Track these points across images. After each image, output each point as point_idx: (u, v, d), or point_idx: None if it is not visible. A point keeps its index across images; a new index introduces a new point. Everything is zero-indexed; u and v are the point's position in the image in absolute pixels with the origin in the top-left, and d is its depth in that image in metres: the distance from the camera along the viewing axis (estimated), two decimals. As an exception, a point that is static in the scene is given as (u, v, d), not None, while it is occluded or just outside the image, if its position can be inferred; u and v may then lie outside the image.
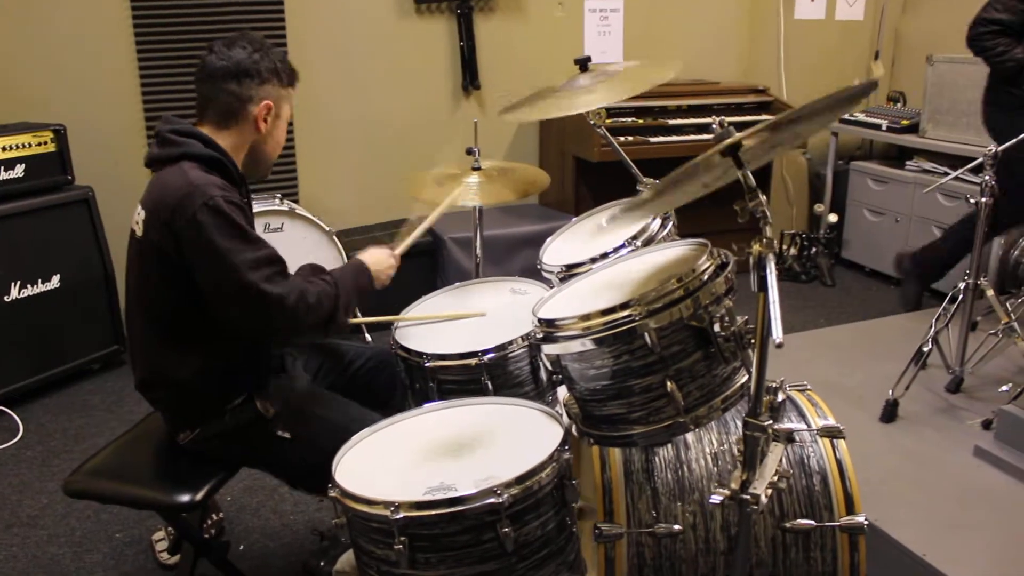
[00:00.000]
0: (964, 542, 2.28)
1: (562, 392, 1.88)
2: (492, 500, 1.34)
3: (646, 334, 1.42)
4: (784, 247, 4.86)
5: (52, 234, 3.34)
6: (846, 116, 4.83)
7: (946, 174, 3.47)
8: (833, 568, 1.68)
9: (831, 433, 1.76)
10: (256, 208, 3.33)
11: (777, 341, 1.22)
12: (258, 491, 2.70)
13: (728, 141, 1.25)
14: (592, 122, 2.29)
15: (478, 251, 2.64)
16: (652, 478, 1.71)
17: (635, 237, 1.93)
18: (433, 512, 1.35)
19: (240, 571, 2.07)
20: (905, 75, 5.16)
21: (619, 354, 1.47)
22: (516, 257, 4.04)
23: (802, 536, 1.68)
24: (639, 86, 2.02)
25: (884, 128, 4.58)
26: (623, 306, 1.44)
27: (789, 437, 1.40)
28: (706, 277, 1.47)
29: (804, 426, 1.79)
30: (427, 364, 1.91)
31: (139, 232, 1.78)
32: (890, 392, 2.96)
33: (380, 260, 2.01)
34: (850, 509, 1.68)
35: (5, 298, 3.20)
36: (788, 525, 1.67)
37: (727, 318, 1.46)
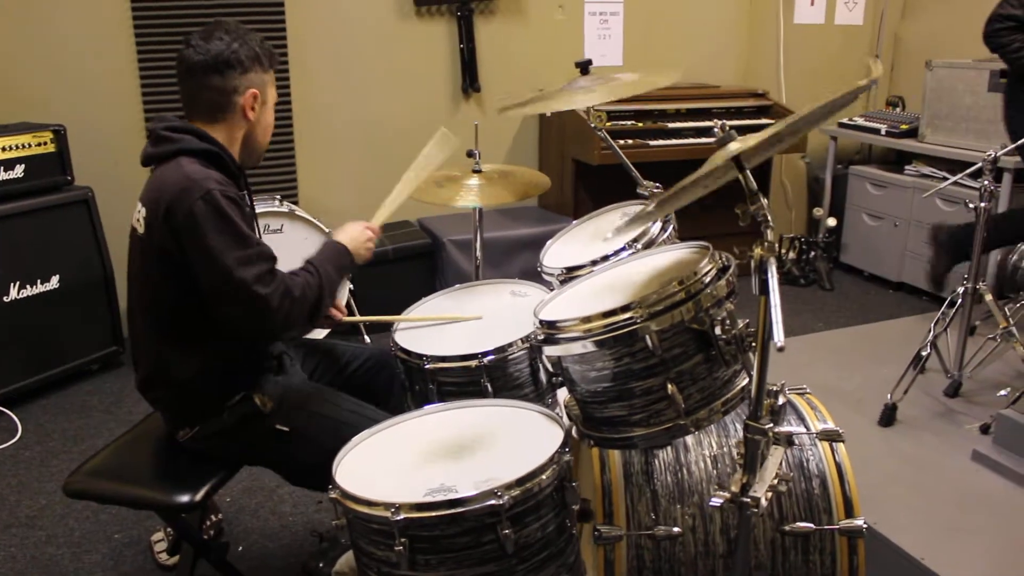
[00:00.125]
0: (962, 546, 2.28)
1: (562, 394, 1.89)
2: (492, 502, 1.34)
3: (647, 336, 1.42)
4: (783, 251, 4.87)
5: (52, 234, 3.34)
6: (845, 120, 4.85)
7: (945, 179, 3.48)
8: (832, 571, 1.69)
9: (830, 437, 1.77)
10: (256, 209, 3.34)
11: (779, 344, 1.23)
12: (257, 492, 2.70)
13: (735, 151, 1.26)
14: (593, 125, 2.30)
15: (478, 253, 2.64)
16: (652, 480, 1.72)
17: (636, 240, 1.94)
18: (433, 514, 1.35)
19: (239, 572, 2.07)
20: (904, 80, 5.17)
21: (620, 356, 1.47)
22: (515, 259, 4.05)
23: (801, 539, 1.68)
24: (638, 87, 2.03)
25: (883, 132, 4.59)
26: (624, 308, 1.45)
27: (789, 440, 1.41)
28: (708, 280, 1.47)
29: (803, 429, 1.79)
30: (427, 366, 1.91)
31: (140, 229, 1.78)
32: (889, 396, 2.97)
33: (357, 236, 2.00)
34: (849, 513, 1.69)
35: (4, 298, 3.19)
36: (787, 528, 1.67)
37: (728, 321, 1.46)
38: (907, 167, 4.53)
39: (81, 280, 3.45)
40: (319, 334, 2.96)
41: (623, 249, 1.93)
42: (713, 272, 1.49)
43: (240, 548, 2.44)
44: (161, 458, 1.96)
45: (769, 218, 1.32)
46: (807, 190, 5.30)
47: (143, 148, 1.82)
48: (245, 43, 1.81)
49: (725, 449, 1.76)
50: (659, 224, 1.99)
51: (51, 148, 3.36)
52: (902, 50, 5.24)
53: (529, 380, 1.95)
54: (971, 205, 2.95)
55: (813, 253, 4.76)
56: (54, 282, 3.35)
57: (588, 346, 1.48)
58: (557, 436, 1.51)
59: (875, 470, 2.65)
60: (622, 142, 4.07)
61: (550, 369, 1.92)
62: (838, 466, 1.73)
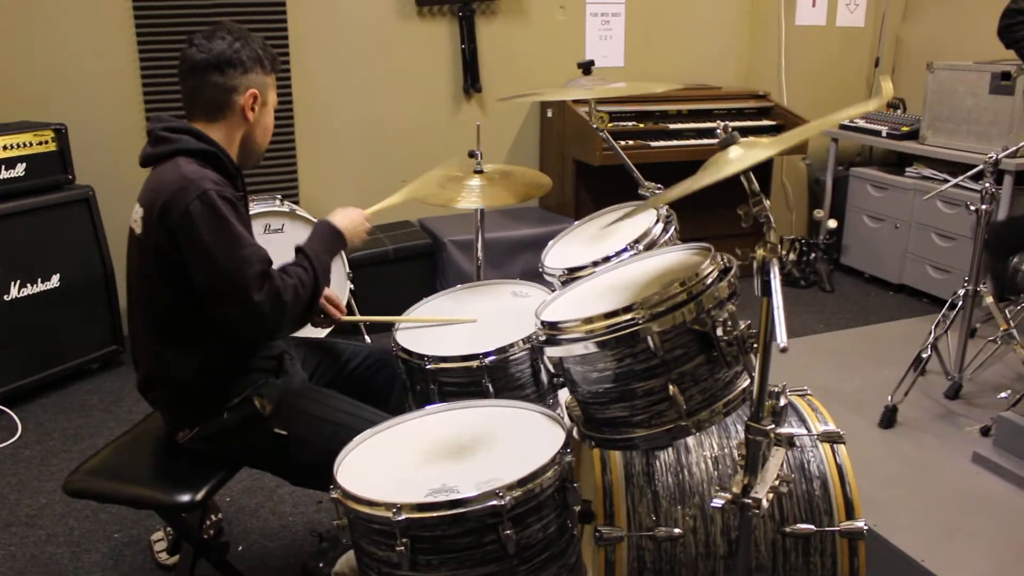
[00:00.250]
0: (962, 548, 2.28)
1: (563, 395, 1.88)
2: (494, 502, 1.34)
3: (649, 337, 1.42)
4: (784, 252, 4.86)
5: (52, 233, 3.34)
6: (846, 122, 4.85)
7: (946, 181, 3.48)
8: (833, 573, 1.69)
9: (831, 438, 1.77)
10: (257, 209, 3.35)
11: (781, 345, 1.23)
12: (257, 492, 2.70)
13: (749, 164, 1.25)
14: (595, 126, 2.30)
15: (479, 254, 2.64)
16: (653, 481, 1.72)
17: (637, 241, 1.94)
18: (435, 514, 1.35)
19: (239, 572, 2.06)
20: (905, 82, 5.17)
21: (622, 357, 1.47)
22: (516, 260, 4.05)
23: (802, 541, 1.68)
24: (638, 87, 2.03)
25: (884, 134, 4.59)
26: (626, 309, 1.45)
27: (790, 442, 1.41)
28: (709, 281, 1.47)
29: (804, 431, 1.79)
30: (428, 366, 1.90)
31: (138, 230, 1.78)
32: (889, 398, 2.97)
33: (353, 220, 2.00)
34: (850, 514, 1.69)
35: (5, 297, 3.19)
36: (788, 529, 1.67)
37: (730, 322, 1.46)
38: (908, 169, 4.54)
39: (81, 279, 3.45)
40: (320, 333, 2.96)
41: (625, 250, 1.93)
42: (715, 273, 1.49)
43: (240, 548, 2.44)
44: (161, 458, 1.96)
45: (771, 219, 1.32)
46: (808, 192, 5.31)
47: (142, 148, 1.82)
48: (247, 44, 1.82)
49: (726, 450, 1.76)
50: (661, 225, 1.99)
51: (52, 147, 3.36)
52: (903, 52, 5.25)
53: (530, 381, 1.95)
54: (972, 207, 2.95)
55: (813, 255, 4.76)
56: (54, 281, 3.35)
57: (590, 347, 1.48)
58: (559, 437, 1.51)
59: (875, 472, 2.65)
60: (623, 143, 4.06)
61: (551, 370, 1.92)
62: (839, 468, 1.73)
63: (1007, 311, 3.08)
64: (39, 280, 3.30)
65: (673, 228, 2.02)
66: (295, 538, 2.48)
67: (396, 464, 1.55)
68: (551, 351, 1.57)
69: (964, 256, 3.53)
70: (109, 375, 3.59)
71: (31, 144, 3.28)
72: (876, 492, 2.50)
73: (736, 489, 1.37)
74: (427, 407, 1.74)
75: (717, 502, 1.38)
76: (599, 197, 4.19)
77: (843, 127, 4.81)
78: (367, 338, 3.62)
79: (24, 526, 2.53)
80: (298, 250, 1.85)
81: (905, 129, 4.50)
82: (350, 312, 3.55)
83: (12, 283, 3.21)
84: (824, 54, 5.10)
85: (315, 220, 3.35)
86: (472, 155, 2.44)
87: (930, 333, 3.03)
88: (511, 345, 1.89)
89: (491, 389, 1.88)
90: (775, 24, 4.95)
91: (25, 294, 3.25)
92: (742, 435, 1.38)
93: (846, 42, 5.15)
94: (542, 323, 1.59)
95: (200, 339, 1.80)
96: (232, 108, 1.83)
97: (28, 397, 3.32)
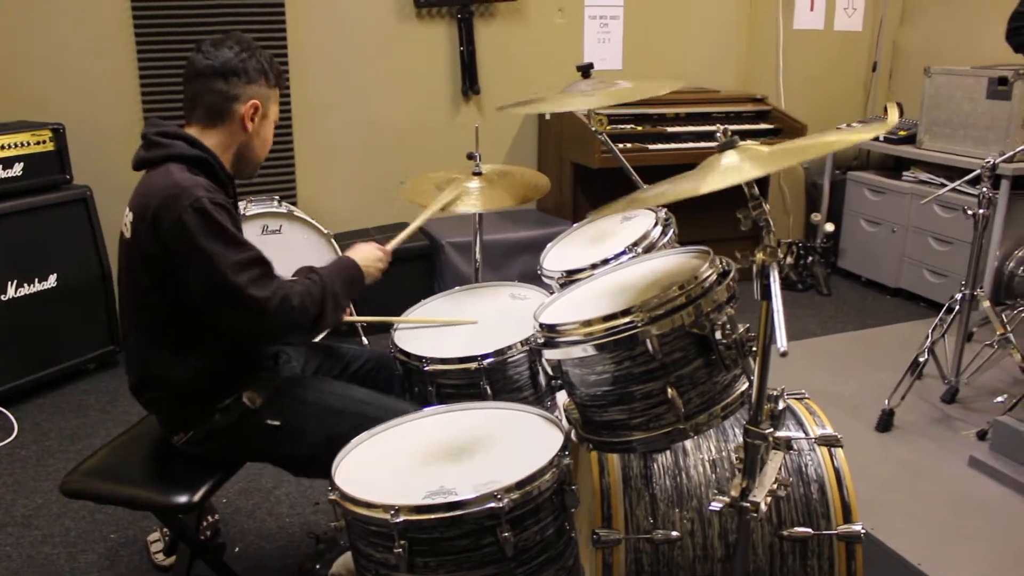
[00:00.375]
0: (959, 551, 2.29)
1: (561, 397, 1.88)
2: (492, 505, 1.34)
3: (648, 340, 1.43)
4: (782, 256, 4.87)
5: (50, 233, 3.33)
6: (843, 126, 4.85)
7: (943, 185, 3.49)
8: (830, 576, 1.69)
9: (829, 442, 1.77)
10: (254, 210, 3.35)
11: (781, 349, 1.23)
12: (254, 493, 2.70)
13: (751, 177, 1.25)
14: (594, 128, 2.30)
15: (478, 256, 2.64)
16: (650, 484, 1.72)
17: (636, 244, 1.94)
18: (433, 516, 1.35)
19: (236, 573, 2.06)
20: (903, 86, 5.19)
21: (620, 360, 1.48)
22: (514, 262, 4.05)
23: (799, 544, 1.69)
24: (636, 93, 2.03)
25: (881, 138, 4.60)
26: (625, 312, 1.45)
27: (788, 445, 1.41)
28: (708, 284, 1.47)
29: (802, 435, 1.79)
30: (426, 368, 1.91)
31: (127, 234, 1.78)
32: (886, 402, 2.97)
33: (369, 255, 2.01)
34: (847, 518, 1.69)
35: (2, 297, 3.18)
36: (785, 533, 1.67)
37: (728, 326, 1.46)
38: (905, 173, 4.55)
39: (79, 279, 3.44)
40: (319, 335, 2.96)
41: (623, 253, 1.93)
42: (714, 276, 1.50)
43: (236, 549, 2.43)
44: (158, 458, 1.95)
45: (771, 223, 1.32)
46: (805, 195, 5.31)
47: (136, 152, 1.82)
48: (254, 56, 1.83)
49: (724, 453, 1.76)
50: (660, 228, 1.99)
51: (50, 147, 3.35)
52: (901, 56, 5.26)
53: (528, 383, 1.95)
54: (969, 212, 2.96)
55: (811, 258, 4.77)
56: (52, 281, 3.35)
57: (588, 350, 1.48)
58: (556, 439, 1.51)
59: (872, 476, 2.66)
60: (621, 146, 4.06)
61: (550, 372, 1.92)
62: (836, 471, 1.73)
63: (1004, 315, 3.09)
64: (36, 280, 3.30)
65: (672, 231, 2.02)
66: (292, 539, 2.48)
67: (394, 466, 1.55)
68: (549, 353, 1.57)
69: (961, 260, 3.53)
70: (106, 375, 3.58)
71: (29, 144, 3.27)
72: (873, 496, 2.51)
73: (734, 492, 1.37)
74: (425, 409, 1.74)
75: (715, 505, 1.38)
76: (597, 200, 4.18)
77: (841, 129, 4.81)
78: (364, 340, 3.61)
79: (20, 526, 2.53)
80: (310, 270, 1.86)
81: (902, 133, 4.51)
82: (349, 313, 3.54)
83: (9, 283, 3.21)
84: (822, 58, 5.11)
85: (313, 221, 3.37)
86: (471, 157, 2.44)
87: (927, 337, 3.04)
88: (509, 347, 1.89)
89: (489, 391, 1.88)
90: (773, 28, 4.96)
91: (22, 294, 3.25)
92: (740, 438, 1.38)
93: (844, 46, 5.17)
94: (540, 325, 1.59)
95: (190, 342, 1.80)
96: (231, 116, 1.83)
97: (24, 397, 3.31)
